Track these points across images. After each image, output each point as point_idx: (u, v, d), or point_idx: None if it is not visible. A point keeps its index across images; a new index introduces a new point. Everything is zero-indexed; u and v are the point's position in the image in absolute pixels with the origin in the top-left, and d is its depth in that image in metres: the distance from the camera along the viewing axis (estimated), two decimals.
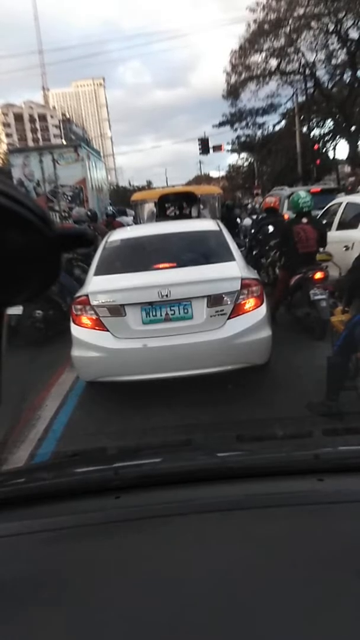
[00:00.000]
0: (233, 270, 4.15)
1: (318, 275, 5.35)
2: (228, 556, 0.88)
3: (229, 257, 4.33)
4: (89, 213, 10.55)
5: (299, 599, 0.75)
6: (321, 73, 30.85)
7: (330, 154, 35.91)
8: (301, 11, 27.59)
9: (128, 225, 10.89)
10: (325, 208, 8.06)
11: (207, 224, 5.48)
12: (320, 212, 7.79)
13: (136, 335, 3.95)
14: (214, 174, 78.29)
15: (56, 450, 3.55)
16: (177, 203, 9.34)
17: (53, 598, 0.82)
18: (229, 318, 3.97)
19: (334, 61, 29.73)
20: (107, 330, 3.97)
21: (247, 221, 11.95)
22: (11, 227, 0.38)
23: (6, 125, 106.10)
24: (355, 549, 0.86)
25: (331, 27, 27.90)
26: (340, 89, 30.95)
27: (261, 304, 4.08)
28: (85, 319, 4.03)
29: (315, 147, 30.63)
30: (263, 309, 4.09)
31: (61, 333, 5.33)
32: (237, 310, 3.98)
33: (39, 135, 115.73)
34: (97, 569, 0.88)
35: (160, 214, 9.07)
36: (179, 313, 3.98)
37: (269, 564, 0.84)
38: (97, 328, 3.99)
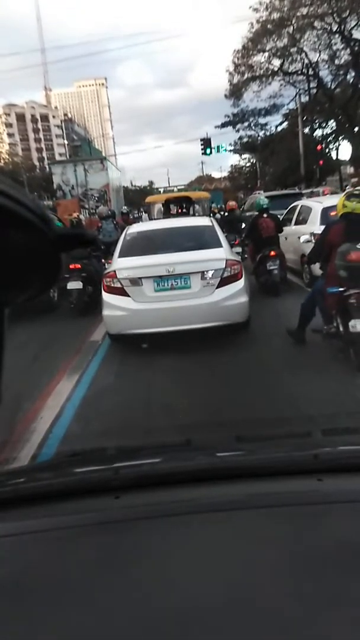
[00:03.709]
0: (220, 253, 5.56)
1: (273, 252, 8.03)
2: (228, 556, 0.88)
3: (218, 245, 5.75)
4: (109, 212, 13.31)
5: (298, 598, 0.75)
6: (324, 73, 30.78)
7: (333, 155, 35.83)
8: (304, 11, 27.49)
9: (145, 220, 14.42)
10: (288, 208, 10.37)
11: (202, 220, 7.16)
12: (285, 211, 10.32)
13: (150, 299, 5.35)
14: (216, 174, 78.40)
15: (56, 451, 3.54)
16: (178, 204, 12.12)
17: (53, 598, 0.82)
18: (217, 288, 5.33)
19: (337, 61, 29.64)
20: (129, 296, 5.38)
21: (217, 216, 15.96)
22: (12, 227, 0.38)
23: (8, 125, 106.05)
24: (354, 549, 0.86)
25: (335, 27, 27.81)
26: (344, 89, 30.85)
27: (241, 277, 5.47)
28: (113, 288, 5.44)
29: (319, 147, 30.54)
30: (242, 282, 5.46)
31: (97, 305, 6.66)
32: (223, 282, 5.34)
33: (41, 135, 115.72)
34: (97, 569, 0.88)
35: (166, 212, 11.68)
36: (181, 284, 5.37)
37: (268, 564, 0.84)
38: (121, 294, 5.40)
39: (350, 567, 0.82)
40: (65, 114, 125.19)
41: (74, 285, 7.61)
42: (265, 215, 8.52)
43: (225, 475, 1.16)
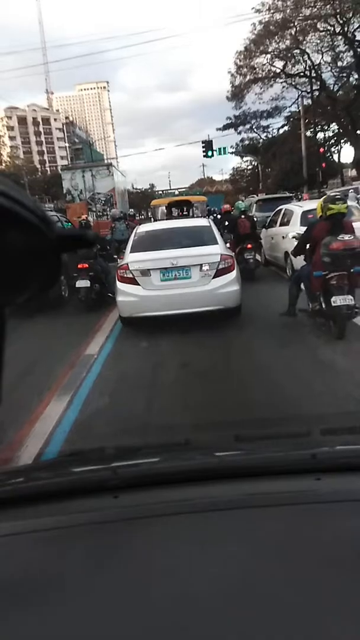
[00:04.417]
0: (216, 249, 6.55)
1: (249, 245, 9.87)
2: (226, 555, 0.88)
3: (214, 242, 6.79)
4: (121, 214, 15.24)
5: (297, 597, 0.75)
6: (327, 75, 30.76)
7: (335, 158, 35.81)
8: (307, 12, 27.48)
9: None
10: (274, 211, 11.67)
11: (201, 221, 8.37)
12: (272, 213, 11.84)
13: (156, 287, 6.30)
14: (217, 177, 78.62)
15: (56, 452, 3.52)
16: (179, 207, 13.61)
17: (53, 598, 0.82)
18: (213, 278, 6.26)
19: (340, 63, 29.65)
20: (139, 285, 6.32)
21: (210, 218, 17.48)
22: (12, 227, 0.38)
23: (10, 128, 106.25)
24: (352, 548, 0.86)
25: (338, 29, 27.80)
26: (347, 91, 30.86)
27: (233, 269, 6.42)
28: (125, 278, 6.39)
29: (321, 150, 30.46)
30: (234, 273, 6.41)
31: (104, 302, 8.42)
32: (218, 273, 6.28)
33: (43, 138, 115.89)
34: (96, 569, 0.88)
35: (169, 214, 13.23)
36: (183, 275, 6.30)
37: (267, 563, 0.84)
38: (133, 283, 6.34)
39: (349, 565, 0.82)
40: (67, 117, 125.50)
41: (82, 283, 8.33)
42: (243, 216, 10.52)
43: (223, 474, 1.16)
